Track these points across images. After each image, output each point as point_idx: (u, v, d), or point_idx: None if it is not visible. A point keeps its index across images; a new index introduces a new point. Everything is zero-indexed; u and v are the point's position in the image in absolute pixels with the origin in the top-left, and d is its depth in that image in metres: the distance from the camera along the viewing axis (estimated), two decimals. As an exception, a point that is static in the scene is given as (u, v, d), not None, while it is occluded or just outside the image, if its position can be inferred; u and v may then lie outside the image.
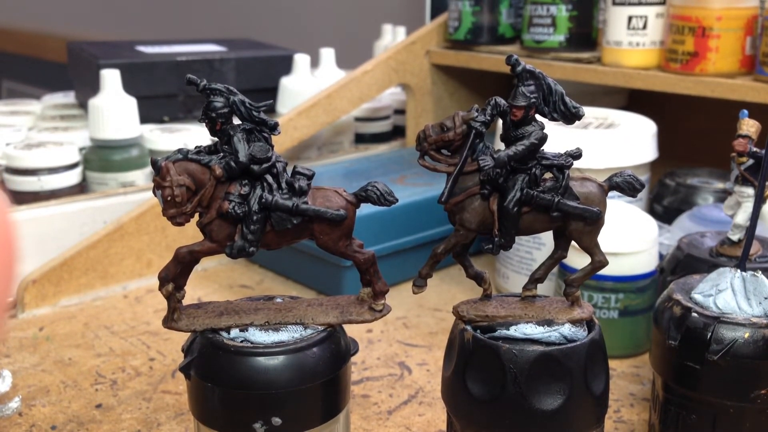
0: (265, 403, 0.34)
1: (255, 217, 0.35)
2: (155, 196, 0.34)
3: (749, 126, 0.47)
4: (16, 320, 0.63)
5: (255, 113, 0.35)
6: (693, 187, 0.72)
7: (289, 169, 0.36)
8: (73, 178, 0.74)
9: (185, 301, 0.37)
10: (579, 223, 0.36)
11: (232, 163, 0.34)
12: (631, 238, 0.55)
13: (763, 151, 0.42)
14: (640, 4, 0.70)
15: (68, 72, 0.96)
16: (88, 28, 1.97)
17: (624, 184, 0.37)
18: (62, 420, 0.49)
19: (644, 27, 0.71)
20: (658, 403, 0.43)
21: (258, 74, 0.92)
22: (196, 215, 0.35)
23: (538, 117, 0.36)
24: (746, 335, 0.38)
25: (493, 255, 0.37)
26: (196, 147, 0.35)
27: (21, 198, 0.71)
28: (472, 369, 0.36)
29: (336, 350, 0.36)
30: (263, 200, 0.35)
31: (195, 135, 0.80)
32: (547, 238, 0.62)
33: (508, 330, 0.37)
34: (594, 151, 0.63)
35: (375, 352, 0.58)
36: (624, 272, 0.55)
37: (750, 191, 0.48)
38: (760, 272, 0.41)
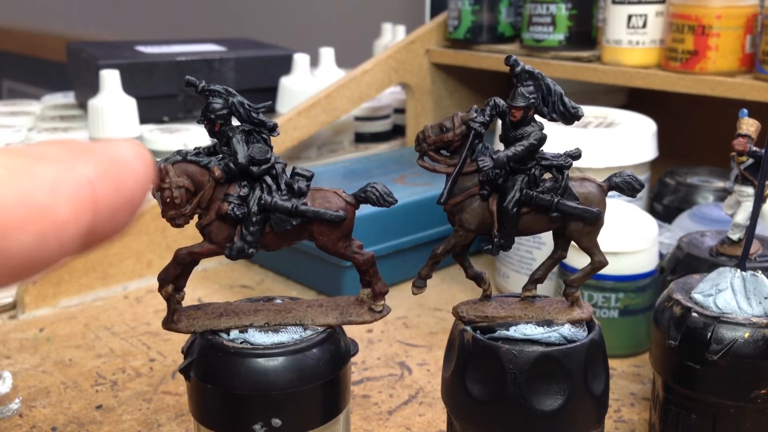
0: (265, 405, 0.34)
1: (254, 219, 0.35)
2: (154, 197, 0.34)
3: (749, 125, 0.47)
4: (16, 321, 0.63)
5: (254, 114, 0.35)
6: (693, 186, 0.72)
7: (289, 170, 0.36)
8: (73, 178, 0.74)
9: (185, 302, 0.37)
10: (578, 224, 0.36)
11: (231, 165, 0.34)
12: (631, 238, 0.55)
13: (763, 151, 0.42)
14: (639, 2, 0.70)
15: (68, 72, 0.96)
16: (88, 28, 1.97)
17: (623, 184, 0.37)
18: (63, 421, 0.49)
19: (644, 26, 0.71)
20: (658, 402, 0.43)
21: (257, 74, 0.92)
22: (196, 216, 0.35)
23: (537, 117, 0.36)
24: (746, 335, 0.38)
25: (493, 255, 0.37)
26: (195, 148, 0.35)
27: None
28: (471, 370, 0.36)
29: (336, 351, 0.36)
30: (262, 201, 0.35)
31: (195, 135, 0.80)
32: (547, 237, 0.62)
33: (508, 330, 0.36)
34: (594, 150, 0.63)
35: (375, 352, 0.58)
36: (624, 272, 0.55)
37: (750, 190, 0.48)
38: (760, 272, 0.41)
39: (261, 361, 0.34)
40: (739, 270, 0.41)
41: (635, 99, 0.91)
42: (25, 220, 0.18)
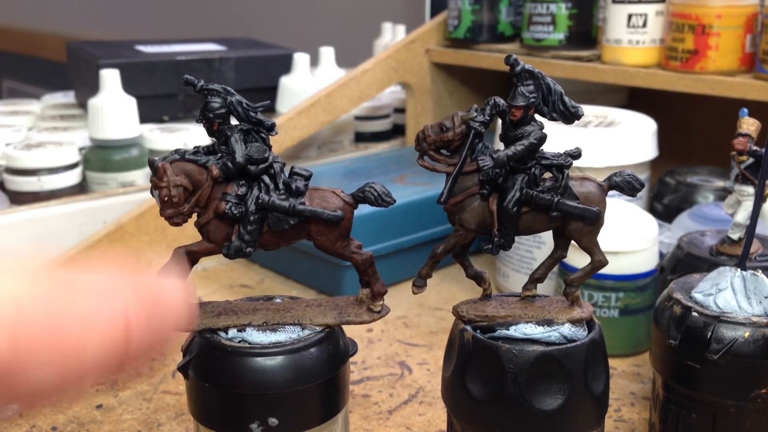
0: (262, 404, 0.34)
1: (252, 218, 0.35)
2: (153, 196, 0.34)
3: (749, 124, 0.47)
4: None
5: (252, 114, 0.35)
6: (693, 185, 0.72)
7: (288, 170, 0.36)
8: (72, 178, 0.74)
9: (184, 302, 0.37)
10: (578, 223, 0.36)
11: (229, 164, 0.34)
12: (631, 237, 0.55)
13: (763, 150, 0.42)
14: (639, 2, 0.70)
15: (68, 72, 0.96)
16: (88, 28, 1.97)
17: (623, 183, 0.37)
18: (63, 420, 0.49)
19: (644, 25, 0.71)
20: (658, 402, 0.43)
21: (257, 73, 0.92)
22: (195, 215, 0.35)
23: (537, 117, 0.36)
24: (746, 334, 0.38)
25: (493, 255, 0.37)
26: (194, 147, 0.35)
27: (21, 198, 0.71)
28: (471, 369, 0.36)
29: (334, 351, 0.36)
30: (260, 201, 0.35)
31: (195, 134, 0.80)
32: (547, 237, 0.61)
33: (508, 330, 0.36)
34: (594, 150, 0.63)
35: (375, 351, 0.58)
36: (624, 271, 0.55)
37: (750, 190, 0.48)
38: (761, 271, 0.41)
39: (258, 360, 0.34)
40: (739, 269, 0.41)
41: (635, 98, 0.91)
42: (50, 351, 0.17)
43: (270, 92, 0.91)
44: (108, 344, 0.18)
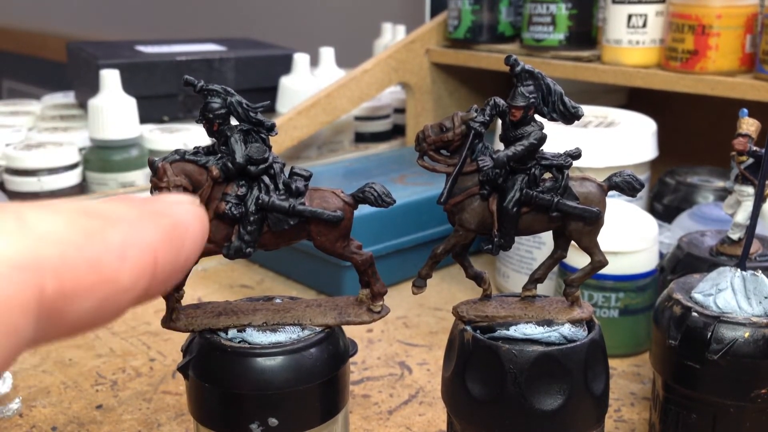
0: (262, 404, 0.34)
1: (252, 218, 0.35)
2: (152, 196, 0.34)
3: (749, 125, 0.47)
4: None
5: (252, 114, 0.35)
6: (693, 185, 0.72)
7: (288, 170, 0.36)
8: (72, 178, 0.74)
9: (185, 301, 0.37)
10: (578, 223, 0.36)
11: (229, 164, 0.34)
12: (631, 237, 0.55)
13: (763, 150, 0.42)
14: (639, 2, 0.70)
15: (68, 72, 0.96)
16: (88, 28, 1.97)
17: (623, 183, 0.37)
18: (63, 421, 0.49)
19: (644, 25, 0.71)
20: (658, 402, 0.43)
21: (258, 73, 0.92)
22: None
23: (537, 117, 0.36)
24: (746, 335, 0.38)
25: (493, 255, 0.37)
26: (194, 147, 0.35)
27: (21, 198, 0.71)
28: (471, 369, 0.36)
29: (334, 351, 0.36)
30: (260, 201, 0.35)
31: (195, 135, 0.80)
32: (547, 237, 0.62)
33: (508, 330, 0.36)
34: (594, 150, 0.63)
35: (375, 351, 0.58)
36: (624, 271, 0.55)
37: (750, 190, 0.48)
38: (761, 271, 0.41)
39: (258, 360, 0.34)
40: (739, 269, 0.41)
41: (635, 99, 0.91)
42: (92, 287, 0.18)
43: (270, 92, 0.91)
44: (139, 275, 0.19)
